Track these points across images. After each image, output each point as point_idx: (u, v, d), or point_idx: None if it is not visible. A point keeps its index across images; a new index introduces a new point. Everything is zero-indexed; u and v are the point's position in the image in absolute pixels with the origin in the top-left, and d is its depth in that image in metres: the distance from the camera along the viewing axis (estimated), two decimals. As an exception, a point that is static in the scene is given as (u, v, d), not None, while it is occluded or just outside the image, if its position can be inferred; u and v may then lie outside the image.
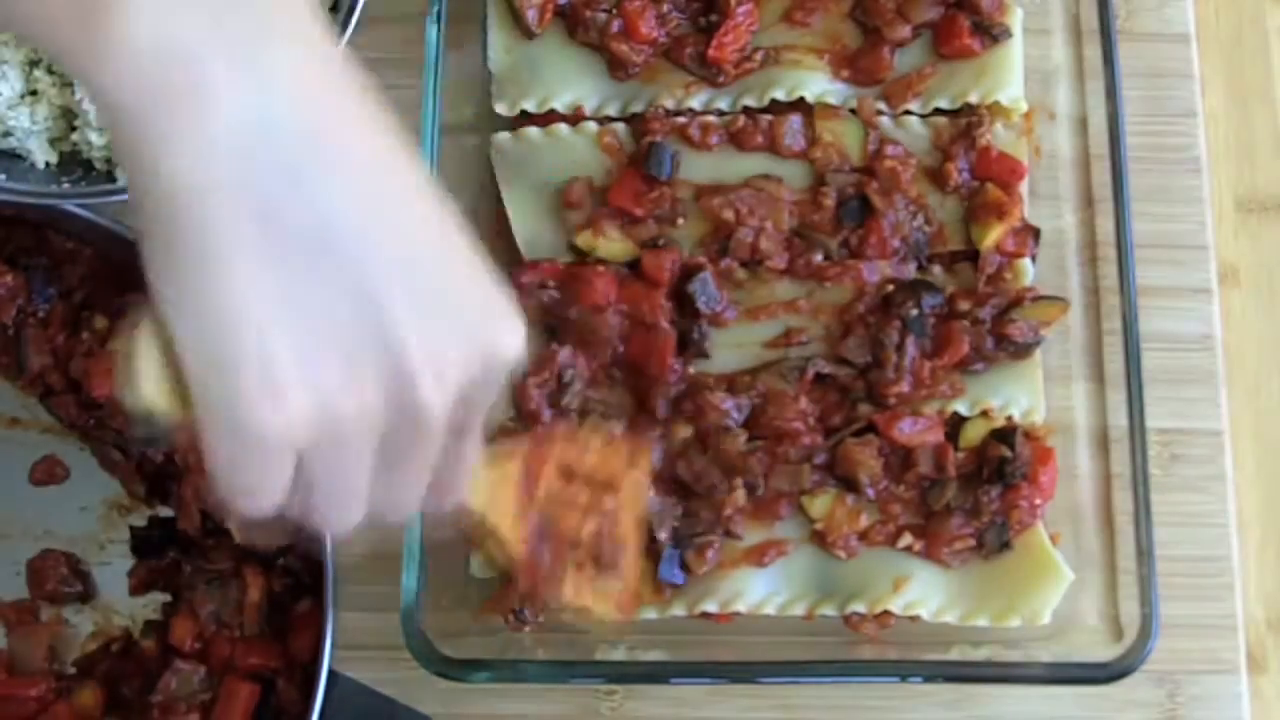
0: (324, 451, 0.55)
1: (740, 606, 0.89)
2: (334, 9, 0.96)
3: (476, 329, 0.57)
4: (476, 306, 0.58)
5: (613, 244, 0.93)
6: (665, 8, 0.96)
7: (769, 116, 0.95)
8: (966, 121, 0.95)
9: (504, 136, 0.97)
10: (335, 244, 0.53)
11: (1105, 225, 0.92)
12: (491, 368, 0.58)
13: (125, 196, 0.91)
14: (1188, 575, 0.92)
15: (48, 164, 0.95)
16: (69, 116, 0.94)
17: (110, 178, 0.94)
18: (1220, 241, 1.00)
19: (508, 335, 0.58)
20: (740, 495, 0.89)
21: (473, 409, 0.59)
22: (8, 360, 0.95)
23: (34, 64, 0.94)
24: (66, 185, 0.93)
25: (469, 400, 0.58)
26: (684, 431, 0.90)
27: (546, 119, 0.97)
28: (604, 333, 0.92)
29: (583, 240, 0.94)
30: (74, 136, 0.95)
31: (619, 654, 0.88)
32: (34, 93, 0.94)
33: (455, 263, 0.58)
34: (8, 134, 0.94)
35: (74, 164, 0.96)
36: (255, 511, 0.57)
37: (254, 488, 0.56)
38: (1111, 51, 0.93)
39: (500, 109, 0.97)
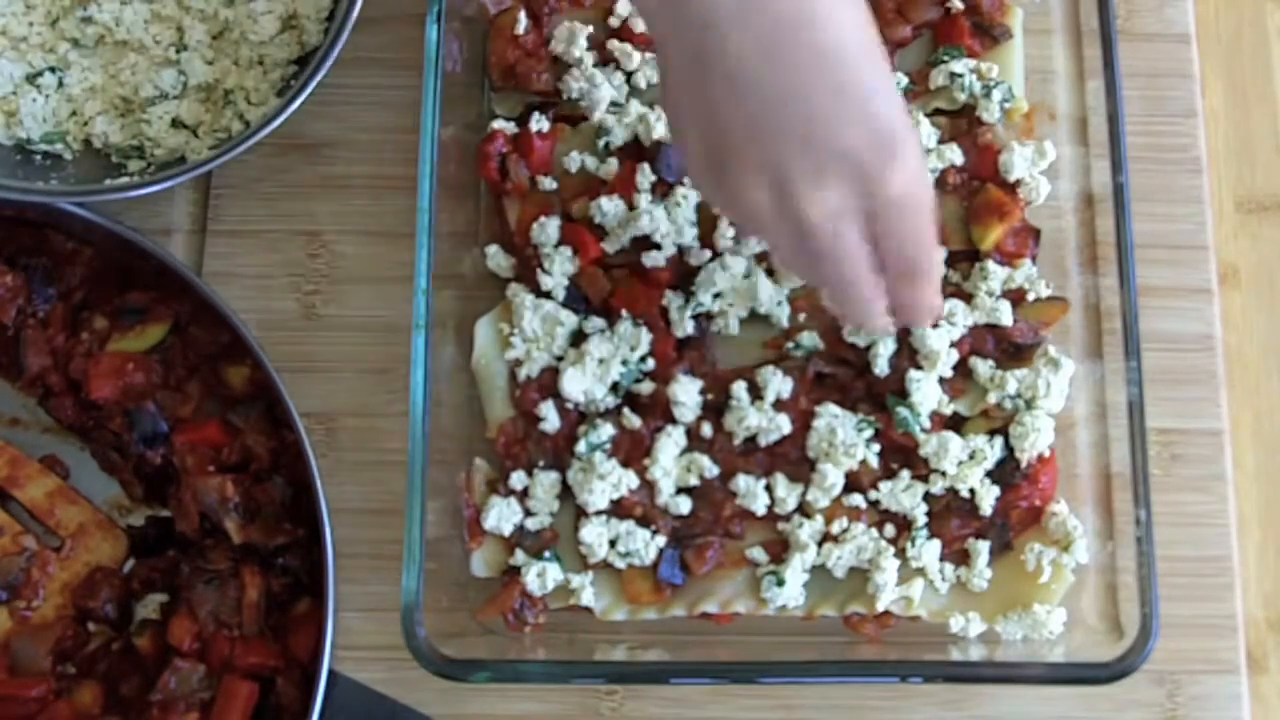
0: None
1: (740, 607, 0.89)
2: (334, 9, 0.96)
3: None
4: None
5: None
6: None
7: (769, 116, 0.95)
8: (967, 121, 0.95)
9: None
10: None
11: (1105, 225, 0.92)
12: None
13: (124, 196, 0.91)
14: (1188, 575, 0.92)
15: (59, 157, 0.96)
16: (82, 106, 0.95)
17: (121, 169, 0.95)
18: (1220, 241, 1.00)
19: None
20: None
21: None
22: (7, 361, 0.95)
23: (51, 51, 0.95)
24: (55, 182, 0.93)
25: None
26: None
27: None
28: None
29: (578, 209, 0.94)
30: (86, 128, 0.95)
31: (619, 654, 0.88)
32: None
33: None
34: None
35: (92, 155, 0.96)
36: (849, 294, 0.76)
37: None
38: (1111, 51, 0.93)
39: (500, 109, 0.97)
